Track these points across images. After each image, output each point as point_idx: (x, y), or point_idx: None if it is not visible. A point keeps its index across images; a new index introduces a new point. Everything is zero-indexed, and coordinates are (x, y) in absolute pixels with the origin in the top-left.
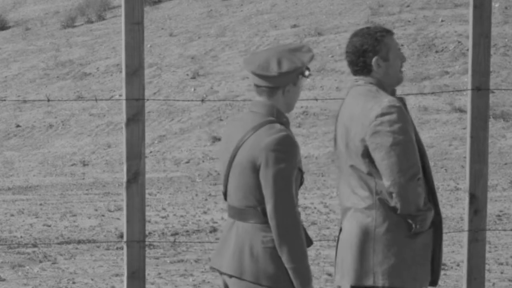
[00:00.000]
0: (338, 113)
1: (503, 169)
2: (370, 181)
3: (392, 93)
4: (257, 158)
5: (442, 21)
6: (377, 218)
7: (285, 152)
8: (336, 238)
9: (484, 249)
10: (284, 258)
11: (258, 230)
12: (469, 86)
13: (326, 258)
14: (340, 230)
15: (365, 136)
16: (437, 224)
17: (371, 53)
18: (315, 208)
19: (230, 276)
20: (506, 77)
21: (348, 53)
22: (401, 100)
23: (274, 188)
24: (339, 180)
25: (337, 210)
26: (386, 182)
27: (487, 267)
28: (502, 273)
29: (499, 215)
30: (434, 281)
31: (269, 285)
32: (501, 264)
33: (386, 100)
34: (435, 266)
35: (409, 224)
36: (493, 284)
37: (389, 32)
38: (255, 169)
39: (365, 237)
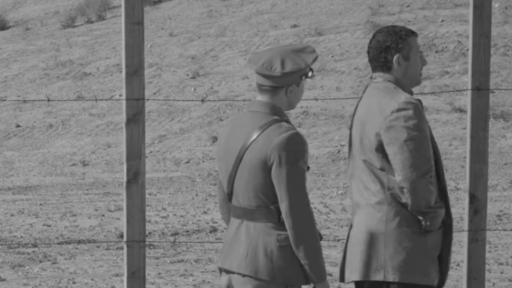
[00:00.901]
0: (355, 110)
1: (503, 169)
2: (382, 176)
3: (410, 93)
4: (269, 157)
5: (442, 21)
6: (388, 213)
7: (297, 150)
8: (347, 235)
9: (484, 249)
10: (300, 255)
11: (271, 229)
12: (469, 86)
13: (326, 258)
14: (351, 226)
15: (380, 130)
16: (447, 227)
17: (393, 50)
18: (315, 208)
19: (244, 276)
20: (506, 77)
21: (370, 49)
22: (418, 101)
23: (288, 187)
24: (351, 176)
25: (337, 210)
26: (397, 177)
27: (487, 267)
28: (502, 273)
29: (499, 215)
30: (441, 282)
31: (284, 282)
32: (501, 264)
33: (403, 96)
34: (443, 268)
35: (419, 220)
36: (493, 284)
37: (413, 33)
38: (266, 168)
39: (376, 232)
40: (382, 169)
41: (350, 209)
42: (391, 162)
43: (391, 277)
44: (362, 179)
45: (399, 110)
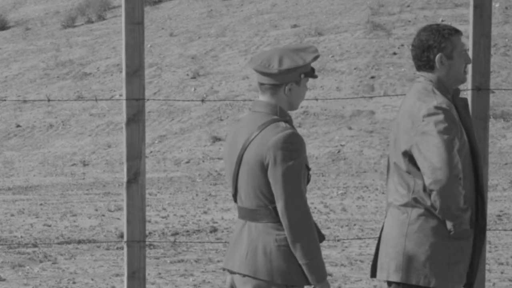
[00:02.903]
0: (399, 110)
1: (503, 169)
2: (409, 179)
3: (456, 92)
4: (265, 157)
5: (442, 21)
6: (412, 215)
7: (292, 149)
8: (379, 233)
9: (484, 249)
10: (298, 255)
11: (270, 229)
12: (469, 86)
13: (326, 258)
14: (383, 225)
15: (411, 135)
16: (481, 228)
17: (435, 49)
18: (315, 208)
19: (244, 276)
20: (506, 77)
21: (413, 47)
22: (463, 100)
23: (283, 186)
24: (387, 177)
25: (337, 210)
26: (427, 179)
27: (487, 267)
28: (502, 273)
29: (499, 215)
30: (471, 283)
31: (283, 283)
32: (501, 264)
33: (435, 101)
34: (473, 269)
35: (443, 225)
36: (493, 284)
37: (457, 32)
38: (263, 168)
39: (398, 234)
40: (408, 172)
41: (385, 209)
42: (420, 166)
43: (409, 279)
44: (394, 181)
45: (429, 115)
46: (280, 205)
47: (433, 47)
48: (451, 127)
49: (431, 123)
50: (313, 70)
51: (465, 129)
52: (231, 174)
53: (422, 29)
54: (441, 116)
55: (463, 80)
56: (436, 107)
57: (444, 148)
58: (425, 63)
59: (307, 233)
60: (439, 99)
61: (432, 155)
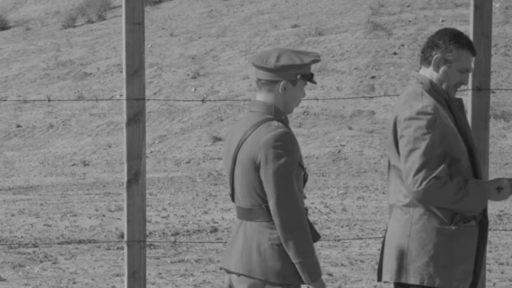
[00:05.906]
0: (392, 112)
1: (503, 169)
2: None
3: (452, 94)
4: (257, 155)
5: (442, 21)
6: (414, 215)
7: (284, 148)
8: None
9: (485, 249)
10: (291, 253)
11: (265, 228)
12: (470, 86)
13: (326, 258)
14: (387, 227)
15: (398, 137)
16: (483, 227)
17: (440, 49)
18: (315, 208)
19: (239, 275)
20: (506, 77)
21: (428, 39)
22: (458, 101)
23: (275, 185)
24: (388, 179)
25: (337, 210)
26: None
27: (487, 267)
28: (502, 273)
29: (499, 215)
30: (474, 284)
31: (277, 282)
32: (502, 264)
33: (421, 104)
34: (476, 268)
35: (446, 223)
36: (494, 284)
37: (471, 50)
38: (256, 167)
39: (402, 234)
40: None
41: (388, 210)
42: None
43: (412, 279)
44: (395, 182)
45: (411, 118)
46: (272, 204)
47: (439, 46)
48: (430, 132)
49: (411, 128)
50: (311, 75)
51: (461, 130)
52: (228, 174)
53: (445, 28)
54: (422, 122)
55: (451, 94)
56: (419, 112)
57: (416, 155)
58: (426, 57)
59: (299, 232)
60: (425, 102)
61: (405, 162)
